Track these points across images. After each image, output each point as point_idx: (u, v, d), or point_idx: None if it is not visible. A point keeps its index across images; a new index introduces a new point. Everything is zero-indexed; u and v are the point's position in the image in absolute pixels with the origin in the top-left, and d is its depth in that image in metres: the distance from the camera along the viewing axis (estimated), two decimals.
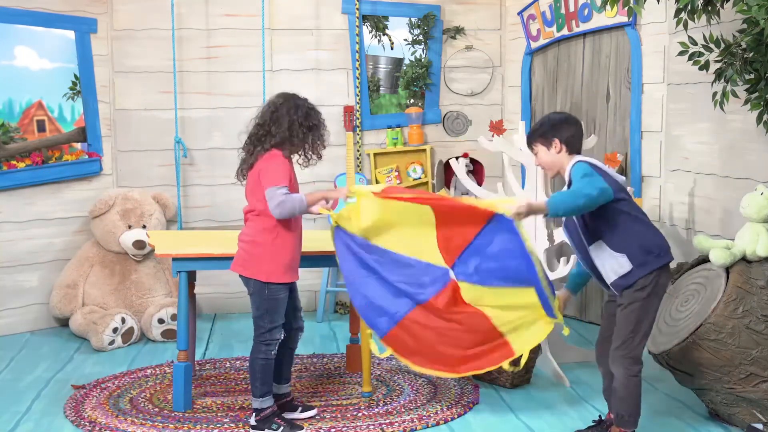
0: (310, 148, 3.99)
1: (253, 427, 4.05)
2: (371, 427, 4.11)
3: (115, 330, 5.49)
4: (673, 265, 4.41)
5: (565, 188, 3.70)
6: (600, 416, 4.06)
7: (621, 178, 3.72)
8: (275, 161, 3.89)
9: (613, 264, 3.62)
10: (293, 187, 3.94)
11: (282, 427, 4.02)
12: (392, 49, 6.59)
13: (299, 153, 4.00)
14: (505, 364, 3.97)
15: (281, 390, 4.24)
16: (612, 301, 3.82)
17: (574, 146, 3.74)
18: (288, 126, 3.90)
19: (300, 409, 4.26)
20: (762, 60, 3.90)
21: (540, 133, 3.78)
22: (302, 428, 4.05)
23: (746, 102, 4.08)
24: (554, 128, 3.74)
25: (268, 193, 3.83)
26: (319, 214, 3.99)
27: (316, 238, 4.48)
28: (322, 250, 4.30)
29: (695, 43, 4.16)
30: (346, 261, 4.07)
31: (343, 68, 6.48)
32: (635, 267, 3.59)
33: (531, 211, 3.57)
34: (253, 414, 4.05)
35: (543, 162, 3.80)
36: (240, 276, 4.02)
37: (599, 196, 3.47)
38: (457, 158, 5.34)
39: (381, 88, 6.60)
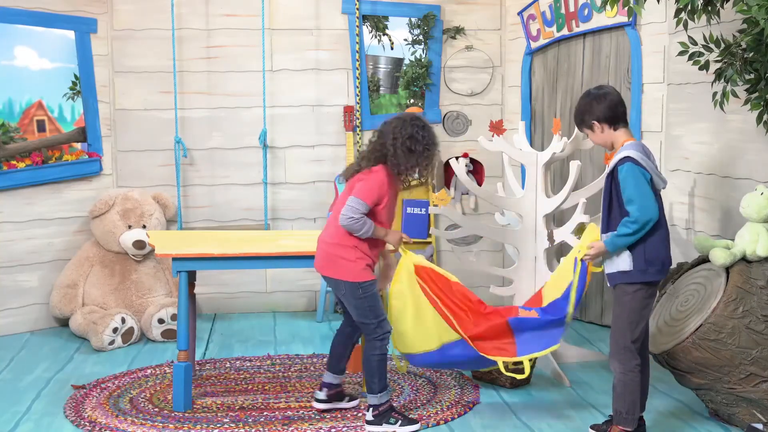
0: (408, 169, 4.04)
1: (369, 422, 4.08)
2: None
3: (115, 330, 5.49)
4: (673, 264, 4.42)
5: (605, 174, 3.79)
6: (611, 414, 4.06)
7: (661, 181, 3.76)
8: (374, 177, 3.99)
9: (615, 258, 3.71)
10: (388, 204, 4.04)
11: (399, 421, 4.06)
12: (392, 49, 6.59)
13: (405, 171, 4.04)
14: (500, 363, 4.07)
15: (336, 380, 4.33)
16: None
17: (615, 119, 3.76)
18: (391, 143, 3.99)
19: (347, 399, 4.37)
20: (762, 60, 3.90)
21: (579, 121, 3.85)
22: (417, 422, 4.09)
23: (746, 102, 4.07)
24: (589, 113, 3.78)
25: (350, 201, 3.95)
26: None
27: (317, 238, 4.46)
28: None
29: (695, 43, 4.16)
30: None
31: (343, 68, 6.48)
32: (634, 271, 3.69)
33: (598, 255, 3.79)
34: (370, 409, 4.08)
35: (595, 142, 3.88)
36: (325, 277, 4.10)
37: (643, 227, 3.62)
38: (457, 158, 5.34)
39: (381, 88, 6.60)
